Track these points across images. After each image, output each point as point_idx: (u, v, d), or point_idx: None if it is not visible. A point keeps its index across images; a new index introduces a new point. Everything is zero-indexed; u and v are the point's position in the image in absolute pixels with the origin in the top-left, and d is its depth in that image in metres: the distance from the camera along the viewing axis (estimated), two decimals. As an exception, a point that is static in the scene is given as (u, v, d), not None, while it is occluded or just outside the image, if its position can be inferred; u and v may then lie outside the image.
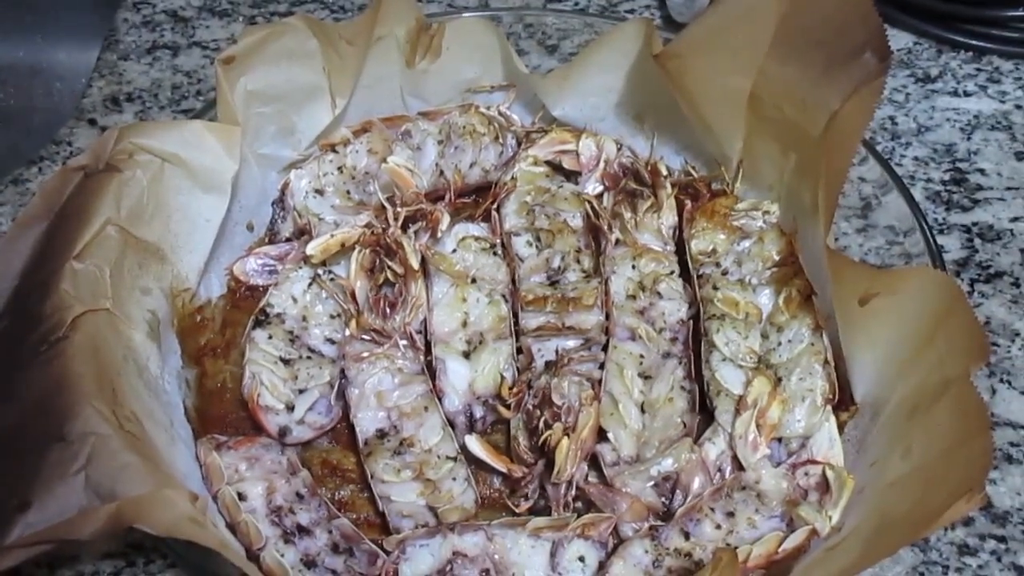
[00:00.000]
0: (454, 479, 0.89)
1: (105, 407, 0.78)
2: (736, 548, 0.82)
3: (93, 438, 0.75)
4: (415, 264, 0.96)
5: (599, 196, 1.07)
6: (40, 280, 0.85)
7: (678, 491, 0.88)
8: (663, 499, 0.88)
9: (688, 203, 1.05)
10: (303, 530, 0.85)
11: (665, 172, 1.06)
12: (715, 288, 0.98)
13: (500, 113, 1.14)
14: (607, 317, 0.98)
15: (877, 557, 0.72)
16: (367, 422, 0.91)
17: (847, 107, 0.85)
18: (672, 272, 1.00)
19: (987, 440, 0.71)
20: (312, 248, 0.98)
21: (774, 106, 0.98)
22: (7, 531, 0.72)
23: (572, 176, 1.10)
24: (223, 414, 0.97)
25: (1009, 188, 1.20)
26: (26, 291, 0.85)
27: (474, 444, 0.90)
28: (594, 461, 0.91)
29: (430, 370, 0.95)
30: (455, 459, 0.90)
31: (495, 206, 1.06)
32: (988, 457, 0.70)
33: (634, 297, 0.98)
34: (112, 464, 0.74)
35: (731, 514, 0.86)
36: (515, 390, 0.93)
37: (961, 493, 0.68)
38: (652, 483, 0.88)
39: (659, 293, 0.98)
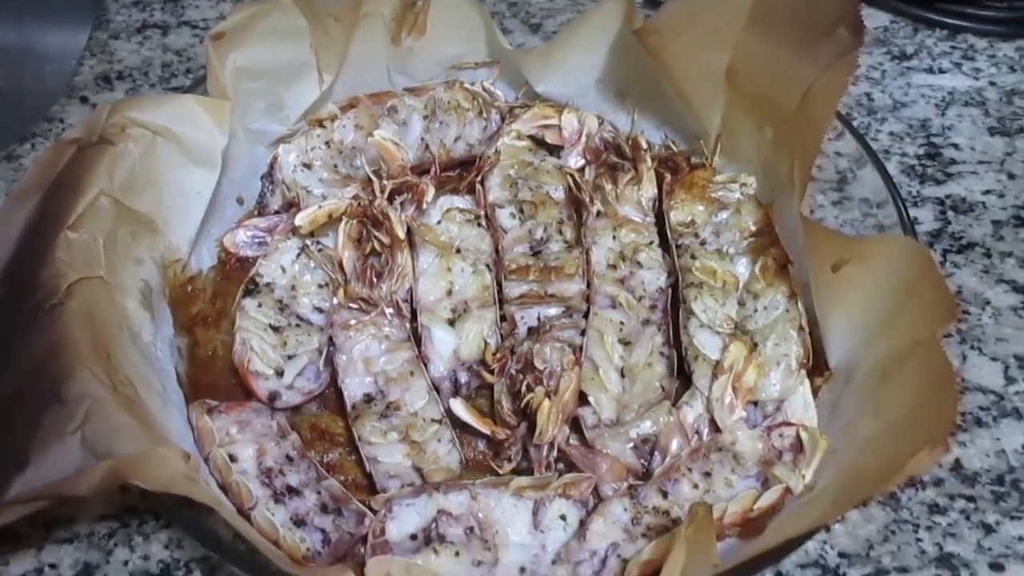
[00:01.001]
0: (439, 441, 0.91)
1: (100, 370, 0.80)
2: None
3: (89, 400, 0.77)
4: (401, 235, 0.98)
5: (581, 169, 1.09)
6: (35, 249, 0.87)
7: (656, 452, 0.90)
8: (642, 460, 0.90)
9: (668, 176, 1.06)
10: (293, 491, 0.86)
11: (645, 146, 1.07)
12: (693, 257, 1.00)
13: (484, 89, 1.15)
14: (588, 285, 1.00)
15: (845, 508, 0.74)
16: (355, 387, 0.93)
17: (821, 81, 0.87)
18: (652, 242, 1.02)
19: (953, 397, 0.73)
20: (300, 219, 0.99)
21: (751, 81, 1.00)
22: (4, 489, 0.74)
23: (555, 150, 1.12)
24: (214, 381, 0.98)
25: (982, 162, 1.22)
26: (22, 260, 0.87)
27: (459, 407, 0.92)
28: (575, 424, 0.93)
29: (416, 337, 0.97)
30: (440, 422, 0.92)
31: (479, 179, 1.08)
32: (953, 412, 0.72)
33: (614, 266, 1.00)
34: (108, 424, 0.76)
35: (708, 474, 0.88)
36: (498, 356, 0.95)
37: (925, 445, 0.70)
38: (631, 445, 0.90)
39: (639, 263, 1.01)
